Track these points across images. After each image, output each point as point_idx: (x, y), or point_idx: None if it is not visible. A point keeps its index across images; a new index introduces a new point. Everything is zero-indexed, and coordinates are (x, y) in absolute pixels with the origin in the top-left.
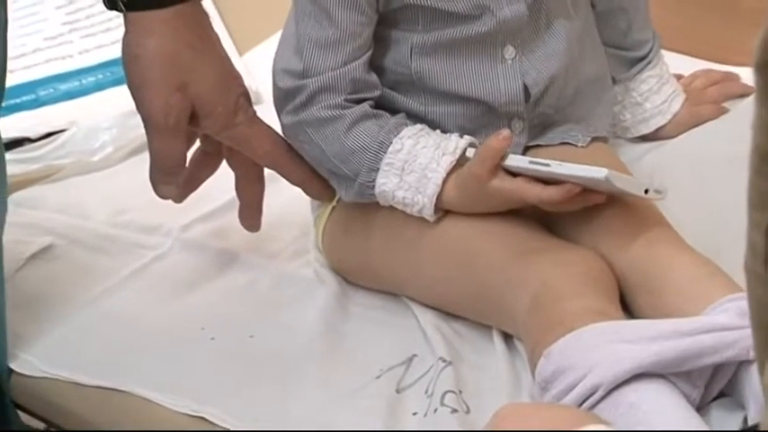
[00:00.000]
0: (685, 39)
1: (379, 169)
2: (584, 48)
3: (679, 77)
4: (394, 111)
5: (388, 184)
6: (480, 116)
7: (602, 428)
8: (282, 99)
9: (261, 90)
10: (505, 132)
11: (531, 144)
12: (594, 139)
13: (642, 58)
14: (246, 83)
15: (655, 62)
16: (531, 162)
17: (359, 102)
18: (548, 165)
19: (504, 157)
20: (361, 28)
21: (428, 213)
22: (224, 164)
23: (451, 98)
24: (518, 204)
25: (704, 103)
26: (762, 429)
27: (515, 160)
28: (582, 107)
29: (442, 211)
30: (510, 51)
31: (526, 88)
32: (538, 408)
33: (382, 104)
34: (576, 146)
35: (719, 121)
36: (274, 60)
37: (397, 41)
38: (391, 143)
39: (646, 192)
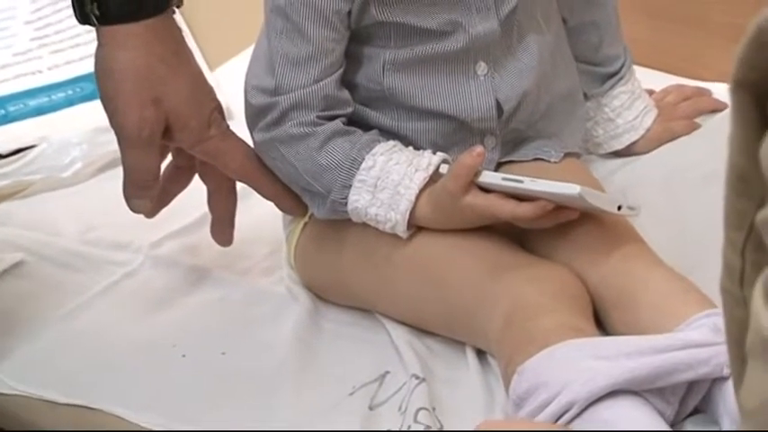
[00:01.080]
0: (657, 54)
1: (351, 186)
2: (557, 63)
3: (651, 93)
4: (366, 127)
5: (361, 201)
6: (453, 132)
7: None
8: (254, 116)
9: (231, 106)
10: (479, 149)
11: (503, 160)
12: (567, 155)
13: (614, 74)
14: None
15: (627, 78)
16: (504, 179)
17: (331, 119)
18: (521, 181)
19: (477, 174)
20: (333, 44)
21: (401, 230)
22: (195, 179)
23: (424, 114)
24: (491, 221)
25: (676, 118)
26: None
27: (489, 177)
28: (554, 123)
29: (415, 227)
30: (482, 68)
31: (498, 104)
32: (516, 424)
33: (354, 121)
34: (549, 161)
35: (692, 137)
36: (246, 77)
37: (369, 58)
38: (363, 160)
39: (619, 208)
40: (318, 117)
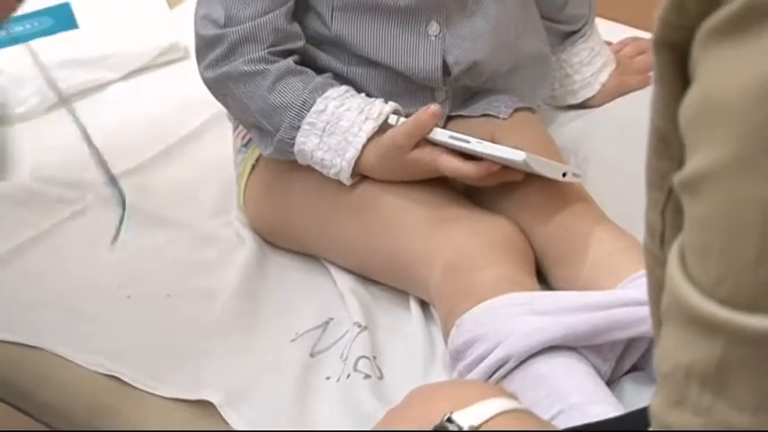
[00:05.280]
0: (616, 5)
1: (300, 127)
2: (522, 28)
3: (608, 45)
4: (316, 68)
5: (308, 143)
6: (401, 82)
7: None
8: (204, 49)
9: (189, 46)
10: (434, 107)
11: (453, 113)
12: (519, 110)
13: (575, 32)
14: (175, 38)
15: (588, 34)
16: (451, 137)
17: (283, 54)
18: (468, 141)
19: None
20: None
21: (345, 177)
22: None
23: (372, 62)
24: (435, 175)
25: (631, 72)
26: (650, 412)
27: (438, 133)
28: (518, 81)
29: (360, 176)
30: (434, 28)
31: (446, 66)
32: (441, 387)
33: (305, 62)
34: (498, 117)
35: (645, 92)
36: (197, 7)
37: (317, 0)
38: (315, 102)
39: (564, 175)
40: (270, 53)
